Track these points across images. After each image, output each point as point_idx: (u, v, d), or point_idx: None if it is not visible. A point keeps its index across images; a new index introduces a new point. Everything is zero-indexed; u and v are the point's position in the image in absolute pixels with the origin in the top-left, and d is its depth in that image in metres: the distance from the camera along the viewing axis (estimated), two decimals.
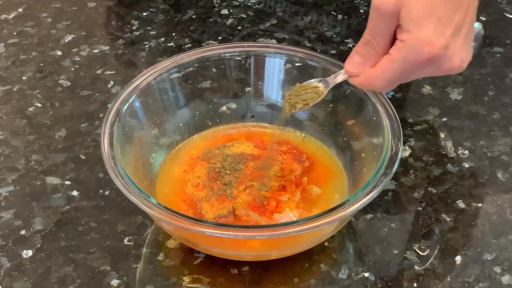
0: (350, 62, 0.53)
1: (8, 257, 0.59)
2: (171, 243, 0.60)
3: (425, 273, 0.58)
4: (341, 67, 0.65)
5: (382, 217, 0.63)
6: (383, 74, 0.50)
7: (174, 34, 0.87)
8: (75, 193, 0.65)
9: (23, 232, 0.61)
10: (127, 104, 0.61)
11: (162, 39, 0.86)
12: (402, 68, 0.49)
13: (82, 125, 0.73)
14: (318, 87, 0.56)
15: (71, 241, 0.61)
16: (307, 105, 0.56)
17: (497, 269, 0.59)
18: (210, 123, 0.69)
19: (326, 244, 0.60)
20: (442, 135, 0.72)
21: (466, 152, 0.70)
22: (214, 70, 0.69)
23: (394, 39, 0.50)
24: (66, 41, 0.85)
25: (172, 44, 0.85)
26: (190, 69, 0.68)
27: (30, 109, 0.75)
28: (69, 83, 0.79)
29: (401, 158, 0.68)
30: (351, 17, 0.90)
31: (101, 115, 0.74)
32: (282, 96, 0.69)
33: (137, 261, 0.59)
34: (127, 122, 0.61)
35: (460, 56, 0.50)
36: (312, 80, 0.57)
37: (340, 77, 0.55)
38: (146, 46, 0.85)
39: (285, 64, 0.69)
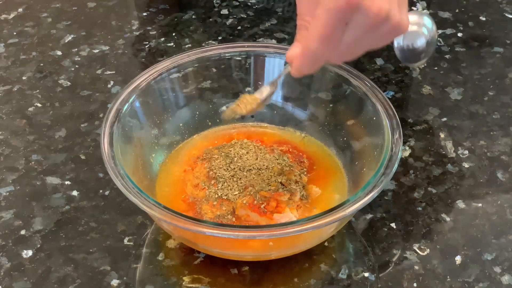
0: (290, 49, 0.52)
1: (8, 257, 0.59)
2: (171, 243, 0.60)
3: (425, 273, 0.58)
4: (341, 67, 0.65)
5: (382, 217, 0.63)
6: (315, 32, 0.49)
7: (174, 34, 0.87)
8: (75, 193, 0.65)
9: (23, 232, 0.61)
10: (127, 104, 0.61)
11: (162, 39, 0.86)
12: (329, 20, 0.48)
13: (82, 125, 0.73)
14: (256, 97, 0.57)
15: (71, 241, 0.61)
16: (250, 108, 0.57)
17: (497, 269, 0.59)
18: (210, 123, 0.69)
19: (326, 244, 0.60)
20: (442, 135, 0.72)
21: (466, 152, 0.70)
22: (214, 70, 0.69)
23: None
24: (66, 41, 0.85)
25: (172, 44, 0.85)
26: (190, 69, 0.68)
27: (30, 109, 0.75)
28: (69, 83, 0.79)
29: (401, 158, 0.68)
30: None
31: (101, 115, 0.74)
32: (282, 98, 0.70)
33: (137, 261, 0.59)
34: (127, 122, 0.61)
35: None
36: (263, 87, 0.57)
37: (284, 71, 0.56)
38: (146, 46, 0.85)
39: (285, 64, 0.69)
